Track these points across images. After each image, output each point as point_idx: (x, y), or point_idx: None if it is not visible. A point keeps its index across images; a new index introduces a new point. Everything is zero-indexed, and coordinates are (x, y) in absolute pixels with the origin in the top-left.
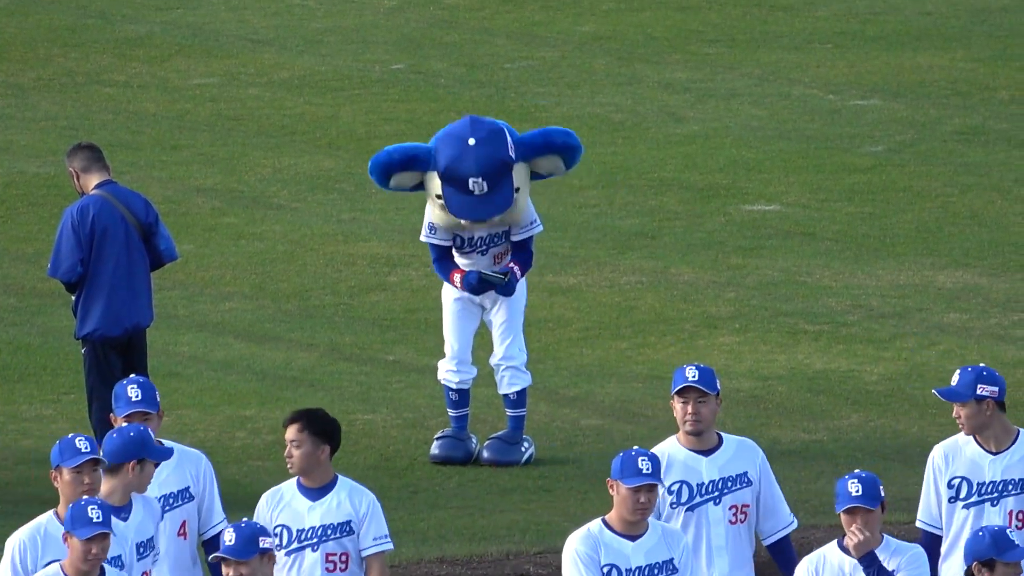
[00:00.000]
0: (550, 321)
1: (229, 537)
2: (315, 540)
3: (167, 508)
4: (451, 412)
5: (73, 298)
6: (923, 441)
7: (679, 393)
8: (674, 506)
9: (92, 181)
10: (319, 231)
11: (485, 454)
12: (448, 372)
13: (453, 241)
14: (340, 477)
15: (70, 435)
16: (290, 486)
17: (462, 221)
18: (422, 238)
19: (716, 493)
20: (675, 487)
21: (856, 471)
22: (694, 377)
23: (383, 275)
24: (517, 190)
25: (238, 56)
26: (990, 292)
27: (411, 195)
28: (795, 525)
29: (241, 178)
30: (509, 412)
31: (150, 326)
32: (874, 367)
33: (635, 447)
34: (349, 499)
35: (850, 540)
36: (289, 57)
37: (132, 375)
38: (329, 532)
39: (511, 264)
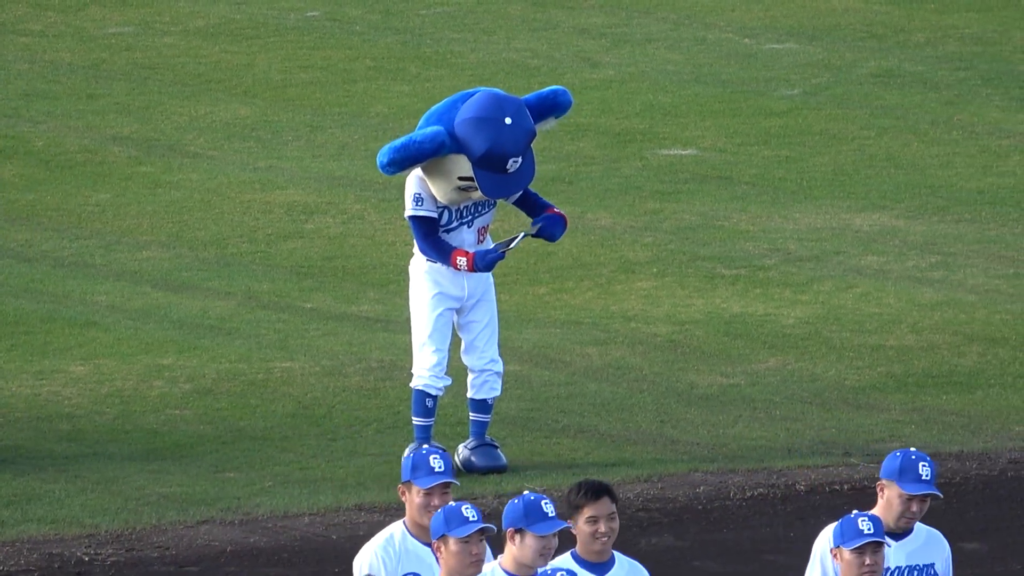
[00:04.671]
0: None
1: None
2: None
3: None
4: (421, 421)
5: None
6: (840, 384)
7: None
8: None
9: None
10: (236, 179)
11: (477, 461)
12: (431, 378)
13: (438, 214)
14: (613, 552)
15: (454, 503)
16: (567, 562)
17: (475, 197)
18: (408, 213)
19: None
20: None
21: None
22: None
23: (300, 223)
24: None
25: (153, 4)
26: (907, 235)
27: (329, 143)
28: None
29: (157, 127)
30: (480, 417)
31: None
32: (791, 311)
33: (855, 511)
34: None
35: None
36: (204, 5)
37: (427, 445)
38: None
39: (552, 211)
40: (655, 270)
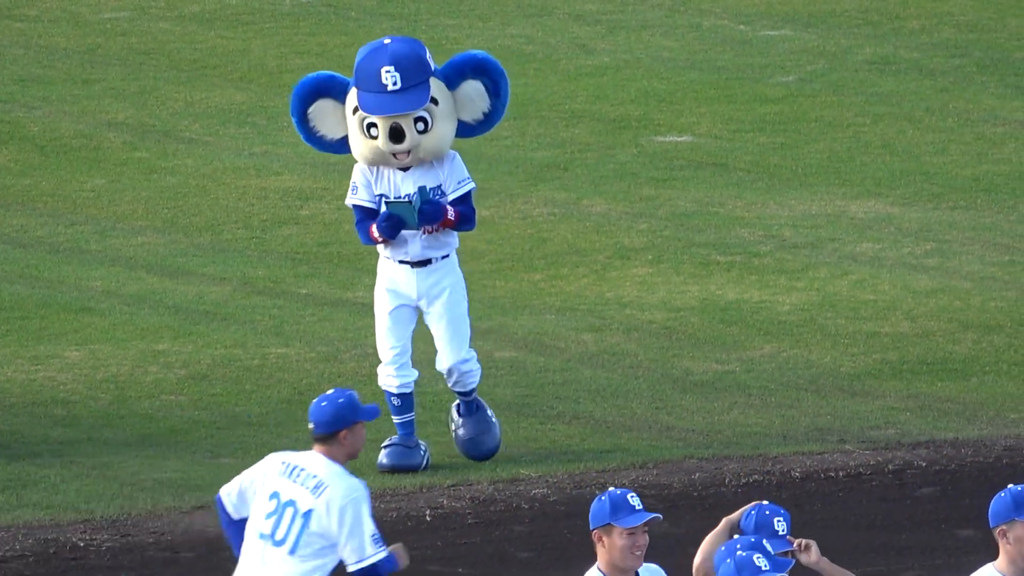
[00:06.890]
0: (463, 253)
1: None
2: None
3: None
4: (395, 419)
5: None
6: (835, 371)
7: None
8: None
9: None
10: (231, 165)
11: (464, 434)
12: (387, 377)
13: (378, 204)
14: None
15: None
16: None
17: (382, 146)
18: (347, 201)
19: None
20: None
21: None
22: None
23: (295, 208)
24: (435, 102)
25: None
26: (902, 221)
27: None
28: None
29: (153, 112)
30: (464, 399)
31: None
32: (786, 297)
33: None
34: None
35: None
36: None
37: (612, 487)
38: None
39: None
40: (650, 257)
